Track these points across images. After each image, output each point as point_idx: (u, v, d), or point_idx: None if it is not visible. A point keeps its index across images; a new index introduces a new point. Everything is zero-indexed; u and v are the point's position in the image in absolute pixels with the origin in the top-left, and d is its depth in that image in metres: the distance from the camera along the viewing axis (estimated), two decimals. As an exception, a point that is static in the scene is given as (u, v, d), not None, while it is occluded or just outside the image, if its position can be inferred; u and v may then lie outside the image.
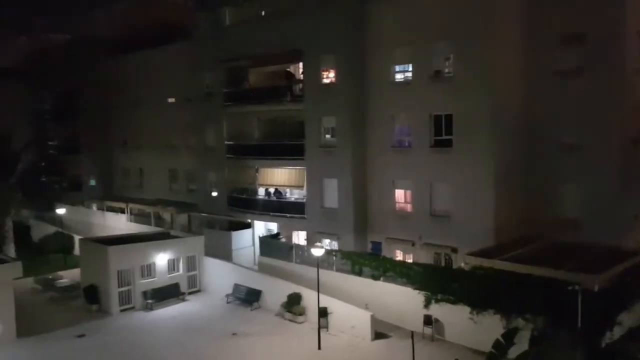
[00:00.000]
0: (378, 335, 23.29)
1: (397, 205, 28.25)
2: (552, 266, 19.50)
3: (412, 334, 20.19)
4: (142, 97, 44.17)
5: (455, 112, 25.48)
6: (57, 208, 41.14)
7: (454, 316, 22.01)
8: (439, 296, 22.47)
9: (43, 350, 23.42)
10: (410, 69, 27.33)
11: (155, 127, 43.02)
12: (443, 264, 25.97)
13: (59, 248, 38.52)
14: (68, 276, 32.38)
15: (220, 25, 35.74)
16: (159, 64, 41.59)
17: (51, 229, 42.12)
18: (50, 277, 32.54)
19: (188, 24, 38.18)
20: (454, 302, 21.96)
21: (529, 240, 23.34)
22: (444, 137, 26.09)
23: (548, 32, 24.84)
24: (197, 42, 37.17)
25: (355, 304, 24.10)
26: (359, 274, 25.94)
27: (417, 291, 23.23)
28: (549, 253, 21.77)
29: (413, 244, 27.06)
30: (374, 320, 23.34)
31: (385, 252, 27.83)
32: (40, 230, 43.46)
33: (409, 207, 27.79)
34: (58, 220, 41.82)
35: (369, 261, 25.93)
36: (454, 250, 25.43)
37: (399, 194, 28.25)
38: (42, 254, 38.90)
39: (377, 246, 28.52)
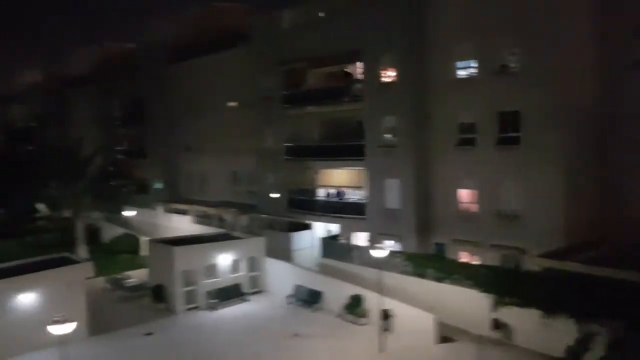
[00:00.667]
0: (442, 339, 22.65)
1: (461, 205, 27.49)
2: (630, 268, 18.36)
3: (479, 338, 19.49)
4: (204, 102, 45.10)
5: (522, 108, 24.54)
6: (126, 210, 42.59)
7: (523, 320, 21.09)
8: (507, 299, 21.61)
9: (113, 348, 24.16)
10: (474, 64, 26.55)
11: (216, 131, 43.83)
12: (511, 266, 24.98)
13: (127, 249, 39.82)
14: (136, 276, 33.31)
15: (279, 28, 35.99)
16: (220, 69, 42.37)
17: (120, 231, 43.64)
18: (120, 276, 33.58)
19: (247, 29, 38.71)
20: (523, 306, 21.05)
21: (602, 241, 22.15)
22: (510, 134, 25.17)
23: (622, 22, 23.54)
24: (256, 46, 37.62)
25: (419, 307, 23.56)
26: (422, 276, 25.38)
27: (484, 294, 22.44)
28: (625, 254, 20.56)
29: (479, 246, 26.21)
30: (439, 324, 22.74)
31: (449, 254, 27.13)
32: (110, 232, 45.10)
33: (474, 207, 26.98)
34: (126, 222, 43.29)
35: (432, 263, 25.33)
36: (522, 252, 24.44)
37: (464, 194, 27.48)
38: (111, 254, 40.31)
39: (440, 248, 27.84)
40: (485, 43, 25.65)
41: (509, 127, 25.27)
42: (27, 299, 23.79)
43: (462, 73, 27.25)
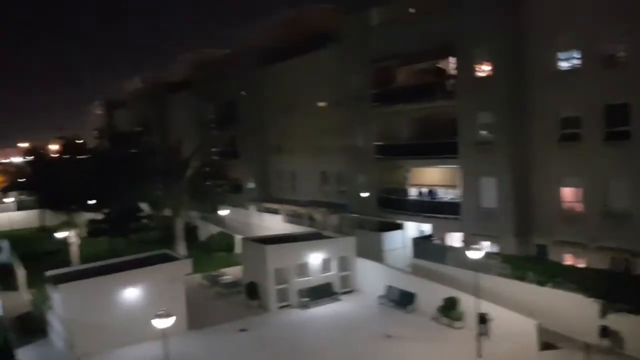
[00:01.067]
0: (545, 346, 21.41)
1: (565, 204, 25.92)
2: None
3: (586, 346, 18.22)
4: (294, 103, 45.74)
5: (633, 100, 22.71)
6: (220, 209, 44.06)
7: (636, 328, 19.51)
8: (618, 305, 20.06)
9: (211, 342, 24.98)
10: (577, 55, 24.94)
11: (306, 131, 44.26)
12: (620, 269, 23.22)
13: (222, 247, 41.17)
14: (231, 273, 34.32)
15: (368, 27, 35.72)
16: (309, 69, 42.76)
17: (215, 229, 45.23)
18: (215, 273, 34.75)
19: (336, 29, 38.77)
20: (636, 313, 19.47)
21: None
22: (619, 128, 23.38)
23: None
24: (344, 45, 37.58)
25: (518, 311, 22.45)
26: (522, 279, 24.17)
27: (591, 299, 20.98)
28: None
29: (584, 247, 24.57)
30: (541, 330, 21.51)
31: (551, 256, 25.66)
32: (206, 230, 46.88)
33: (578, 207, 25.38)
34: (221, 221, 44.79)
35: (533, 265, 24.05)
36: (635, 255, 22.62)
37: (567, 192, 25.92)
38: (207, 252, 41.85)
39: (542, 249, 26.40)
40: (589, 32, 24.03)
41: (617, 121, 23.50)
42: (132, 294, 25.15)
43: (564, 64, 25.71)
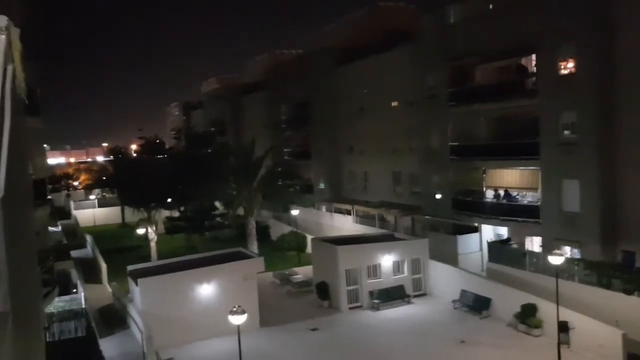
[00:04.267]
0: (631, 358, 20.11)
1: (656, 209, 24.21)
2: None
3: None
4: (367, 103, 45.47)
5: None
6: (292, 209, 44.48)
7: None
8: None
9: (282, 340, 25.19)
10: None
11: (378, 131, 43.86)
12: None
13: (293, 246, 41.56)
14: (302, 272, 34.57)
15: (445, 25, 34.91)
16: (383, 69, 42.33)
17: (287, 229, 45.73)
18: (287, 272, 35.11)
19: (411, 28, 38.17)
20: None
21: None
22: None
23: None
24: (420, 43, 36.91)
25: (602, 320, 21.20)
26: (607, 286, 22.82)
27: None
28: None
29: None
30: (627, 340, 20.20)
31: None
32: (278, 230, 47.49)
33: (672, 212, 23.62)
34: (292, 221, 45.23)
35: (619, 273, 22.64)
36: None
37: (659, 196, 24.19)
38: (279, 251, 42.36)
39: (630, 256, 24.73)
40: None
41: None
42: (208, 289, 25.80)
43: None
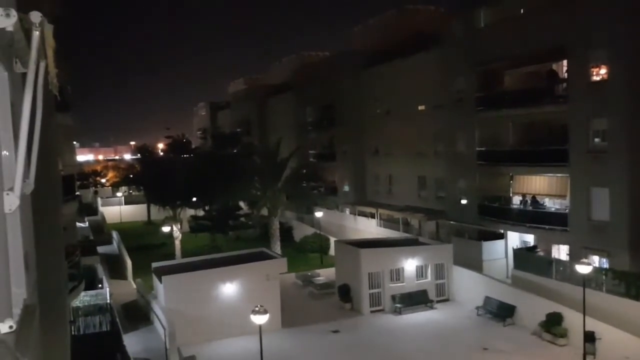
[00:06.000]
0: (661, 372, 19.64)
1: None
2: None
3: None
4: (392, 106, 45.24)
5: None
6: (315, 211, 44.49)
7: None
8: None
9: (303, 341, 25.21)
10: None
11: (404, 135, 43.57)
12: None
13: (316, 248, 41.57)
14: (324, 274, 34.54)
15: (474, 28, 34.54)
16: (409, 72, 42.05)
17: (310, 230, 45.75)
18: (309, 274, 35.12)
19: (439, 31, 37.87)
20: None
21: None
22: None
23: None
24: (448, 47, 36.58)
25: (631, 332, 20.75)
26: (636, 297, 22.27)
27: None
28: None
29: None
30: (657, 354, 19.75)
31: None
32: (301, 231, 47.55)
33: None
34: (316, 222, 45.23)
35: (650, 284, 22.09)
36: None
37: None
38: (301, 252, 42.40)
39: (660, 267, 24.20)
40: None
41: None
42: (230, 288, 25.95)
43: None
